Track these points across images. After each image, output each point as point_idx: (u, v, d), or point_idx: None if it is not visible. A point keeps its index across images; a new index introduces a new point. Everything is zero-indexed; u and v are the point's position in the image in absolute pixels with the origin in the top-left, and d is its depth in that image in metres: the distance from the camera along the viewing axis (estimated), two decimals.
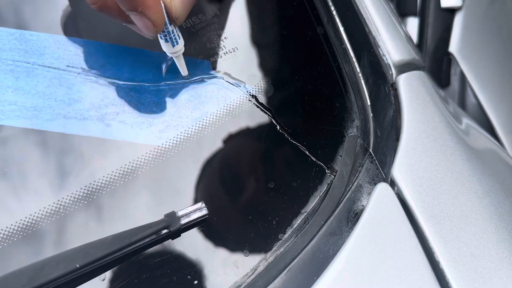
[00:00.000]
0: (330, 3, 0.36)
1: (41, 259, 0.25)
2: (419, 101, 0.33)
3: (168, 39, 0.29)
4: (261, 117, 0.33)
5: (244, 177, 0.32)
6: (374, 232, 0.27)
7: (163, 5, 0.27)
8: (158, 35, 0.29)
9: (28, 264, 0.25)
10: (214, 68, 0.34)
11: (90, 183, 0.30)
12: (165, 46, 0.30)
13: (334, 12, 0.36)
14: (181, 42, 0.30)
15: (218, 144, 0.32)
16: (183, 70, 0.32)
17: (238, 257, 0.29)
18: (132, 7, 0.25)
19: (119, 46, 0.33)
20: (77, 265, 0.25)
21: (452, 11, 0.60)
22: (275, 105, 0.34)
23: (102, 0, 0.27)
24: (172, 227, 0.28)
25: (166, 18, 0.28)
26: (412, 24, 0.61)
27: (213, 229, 0.30)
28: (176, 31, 0.29)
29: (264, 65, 0.35)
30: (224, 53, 0.34)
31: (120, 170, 0.30)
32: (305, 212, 0.31)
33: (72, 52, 0.33)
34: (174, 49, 0.30)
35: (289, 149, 0.33)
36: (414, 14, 0.61)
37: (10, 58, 0.32)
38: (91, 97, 0.32)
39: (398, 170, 0.29)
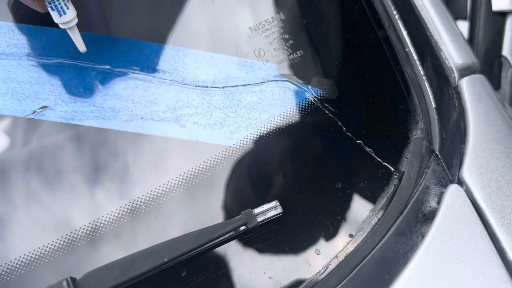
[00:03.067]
0: (392, 7, 0.37)
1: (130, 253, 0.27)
2: (482, 104, 0.33)
3: (53, 7, 0.29)
4: (326, 119, 0.34)
5: (312, 177, 0.33)
6: (449, 232, 0.28)
7: None
8: (47, 4, 0.28)
9: (118, 258, 0.26)
10: (281, 72, 0.35)
11: (168, 181, 0.31)
12: (53, 15, 0.29)
13: (397, 16, 0.37)
14: (71, 13, 0.29)
15: (285, 145, 0.33)
16: (79, 45, 0.31)
17: (310, 255, 0.30)
18: None
19: (192, 50, 0.35)
20: (165, 259, 0.26)
21: (503, 14, 0.60)
22: (340, 107, 0.34)
23: None
24: (250, 224, 0.29)
25: None
26: (462, 27, 0.61)
27: (286, 227, 0.31)
28: (64, 1, 0.29)
29: (328, 68, 0.36)
30: (290, 57, 0.35)
31: (195, 168, 0.32)
32: (374, 212, 0.32)
33: (146, 56, 0.34)
34: (62, 19, 0.29)
35: (355, 150, 0.34)
36: (464, 17, 0.61)
37: (87, 63, 0.33)
38: (166, 99, 0.33)
39: (467, 172, 0.30)
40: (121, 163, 0.32)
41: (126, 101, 0.33)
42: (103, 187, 0.31)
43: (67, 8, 0.29)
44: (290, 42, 0.36)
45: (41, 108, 0.32)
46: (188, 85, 0.34)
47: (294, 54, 0.35)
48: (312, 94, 0.35)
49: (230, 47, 0.35)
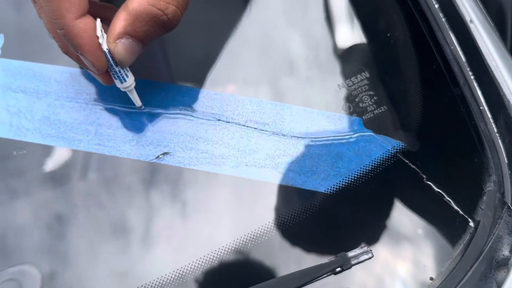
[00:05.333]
0: (468, 68, 0.41)
1: None
2: None
3: (117, 77, 0.33)
4: (408, 170, 0.38)
5: (396, 224, 0.37)
6: None
7: (106, 49, 0.31)
8: (110, 73, 0.33)
9: None
10: (366, 125, 0.39)
11: (269, 221, 0.36)
12: (116, 83, 0.34)
13: (472, 77, 0.40)
14: (130, 80, 0.34)
15: (370, 193, 0.38)
16: (136, 101, 0.37)
17: None
18: (75, 49, 0.31)
19: (288, 105, 0.40)
20: None
21: None
22: (420, 159, 0.38)
23: (65, 46, 0.33)
24: (345, 266, 0.33)
25: (111, 60, 0.32)
26: None
27: (372, 269, 0.35)
28: (124, 71, 0.33)
29: (409, 123, 0.40)
30: (374, 112, 0.40)
31: (291, 211, 0.36)
32: (452, 257, 0.36)
33: (249, 110, 0.39)
34: (123, 85, 0.34)
35: (434, 199, 0.37)
36: None
37: (200, 116, 0.39)
38: (266, 148, 0.38)
39: None
40: (227, 204, 0.37)
41: (233, 149, 0.38)
42: (210, 225, 0.36)
43: (127, 76, 0.34)
44: (375, 98, 0.40)
45: (162, 154, 0.38)
46: (284, 135, 0.39)
47: (378, 109, 0.40)
48: (395, 146, 0.39)
49: (320, 102, 0.40)
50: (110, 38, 0.31)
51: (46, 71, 0.40)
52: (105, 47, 0.31)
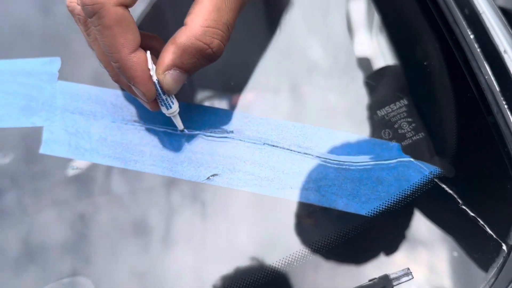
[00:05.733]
0: (502, 98, 0.43)
1: None
2: None
3: (163, 104, 0.36)
4: (444, 195, 0.40)
5: (430, 246, 0.39)
6: None
7: (156, 80, 0.34)
8: (157, 100, 0.36)
9: None
10: (404, 151, 0.41)
11: (311, 242, 0.38)
12: (162, 108, 0.37)
13: (506, 106, 0.42)
14: (175, 106, 0.37)
15: (408, 216, 0.40)
16: (179, 125, 0.40)
17: None
18: (127, 81, 0.34)
19: (330, 130, 0.42)
20: None
21: None
22: (456, 184, 0.40)
23: (117, 76, 0.37)
24: (387, 287, 0.35)
25: (160, 90, 0.34)
26: None
27: None
28: (170, 99, 0.36)
29: (445, 149, 0.42)
30: (413, 138, 0.42)
31: (334, 234, 0.38)
32: (486, 280, 0.38)
33: (293, 134, 0.41)
34: (168, 111, 0.37)
35: (469, 223, 0.39)
36: None
37: (247, 139, 0.41)
38: (309, 171, 0.40)
39: None
40: (269, 224, 0.39)
41: (278, 172, 0.40)
42: (252, 244, 0.38)
43: (173, 103, 0.37)
44: (413, 125, 0.42)
45: (212, 175, 0.40)
46: (327, 159, 0.41)
47: (416, 136, 0.42)
48: (432, 172, 0.41)
49: (361, 128, 0.42)
50: (159, 70, 0.33)
51: (102, 94, 0.42)
52: (155, 78, 0.34)
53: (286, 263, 0.37)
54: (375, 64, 0.45)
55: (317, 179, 0.40)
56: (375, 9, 0.49)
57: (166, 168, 0.40)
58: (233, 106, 0.43)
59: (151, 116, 0.41)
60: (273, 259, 0.37)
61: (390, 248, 0.38)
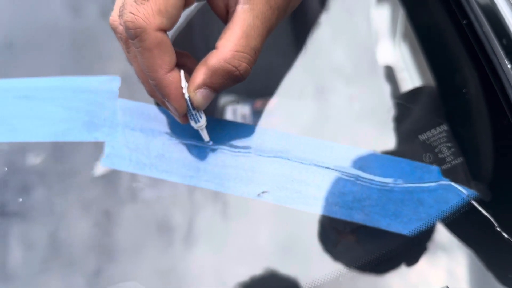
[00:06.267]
0: None
1: None
2: None
3: (192, 118, 0.40)
4: (481, 218, 0.42)
5: (467, 265, 0.41)
6: None
7: (187, 97, 0.37)
8: (188, 115, 0.39)
9: None
10: (444, 174, 0.43)
11: (355, 260, 0.40)
12: (191, 122, 0.40)
13: None
14: (203, 120, 0.40)
15: (448, 237, 0.42)
16: (205, 137, 0.42)
17: None
18: (162, 97, 0.38)
19: (376, 153, 0.44)
20: None
21: None
22: (492, 207, 0.42)
23: (153, 91, 0.41)
24: None
25: (190, 106, 0.38)
26: None
27: None
28: (199, 114, 0.40)
29: (482, 174, 0.44)
30: (452, 162, 0.44)
31: (376, 254, 0.41)
32: None
33: (339, 156, 0.44)
34: (197, 125, 0.40)
35: (504, 245, 0.41)
36: None
37: (295, 159, 0.44)
38: (354, 192, 0.43)
39: None
40: (313, 242, 0.42)
41: (324, 191, 0.43)
42: (297, 260, 0.41)
43: (201, 118, 0.40)
44: (452, 150, 0.44)
45: (262, 192, 0.42)
46: (370, 180, 0.43)
47: (455, 160, 0.44)
48: (470, 195, 0.43)
49: (404, 151, 0.44)
50: (191, 88, 0.37)
51: (159, 112, 0.45)
52: (186, 95, 0.37)
53: (329, 280, 0.40)
54: (409, 85, 0.48)
55: (361, 199, 0.42)
56: (414, 34, 0.52)
57: (219, 184, 0.42)
58: (282, 127, 0.45)
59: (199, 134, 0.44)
60: (315, 275, 0.40)
61: (431, 266, 0.41)
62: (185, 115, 0.40)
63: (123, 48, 0.40)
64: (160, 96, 0.38)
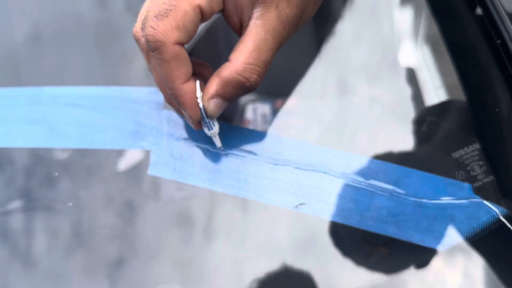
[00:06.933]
0: None
1: None
2: None
3: (206, 126, 0.42)
4: (510, 234, 0.44)
5: (496, 279, 0.43)
6: None
7: (202, 105, 0.40)
8: (202, 122, 0.42)
9: None
10: (475, 192, 0.45)
11: (387, 273, 0.42)
12: (204, 129, 0.43)
13: None
14: (215, 128, 0.42)
15: (478, 251, 0.43)
16: (217, 143, 0.44)
17: None
18: (178, 105, 0.40)
19: (410, 169, 0.46)
20: None
21: None
22: None
23: (170, 99, 0.43)
24: None
25: (204, 114, 0.40)
26: None
27: None
28: (212, 121, 0.42)
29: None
30: (483, 180, 0.45)
31: (409, 265, 0.43)
32: None
33: (373, 170, 0.46)
34: (209, 132, 0.43)
35: None
36: None
37: (332, 173, 0.46)
38: (388, 206, 0.44)
39: None
40: (344, 254, 0.44)
41: (358, 205, 0.44)
42: (329, 271, 0.43)
43: (214, 125, 0.43)
44: (483, 168, 0.46)
45: (300, 203, 0.44)
46: (404, 196, 0.45)
47: (487, 178, 0.45)
48: (500, 212, 0.44)
49: (437, 168, 0.46)
50: (205, 98, 0.40)
51: None
52: (201, 104, 0.40)
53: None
54: (449, 111, 0.49)
55: (395, 213, 0.44)
56: (446, 50, 0.53)
57: (259, 194, 0.45)
58: (319, 141, 0.47)
59: (237, 143, 0.46)
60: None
61: (463, 281, 0.42)
62: (199, 122, 0.42)
63: (144, 58, 0.42)
64: (176, 104, 0.40)
